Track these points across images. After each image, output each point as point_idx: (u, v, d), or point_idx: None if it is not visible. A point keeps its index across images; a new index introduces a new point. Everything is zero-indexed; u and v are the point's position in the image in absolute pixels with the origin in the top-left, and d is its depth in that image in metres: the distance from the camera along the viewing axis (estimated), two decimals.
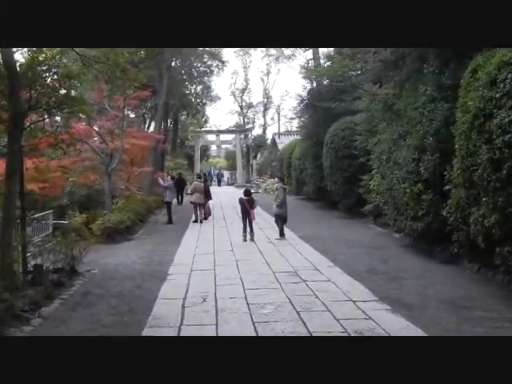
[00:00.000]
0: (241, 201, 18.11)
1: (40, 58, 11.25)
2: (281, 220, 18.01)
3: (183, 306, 9.45)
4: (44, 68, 11.50)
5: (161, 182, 25.21)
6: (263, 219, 22.64)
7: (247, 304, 9.48)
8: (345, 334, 7.76)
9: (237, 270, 12.67)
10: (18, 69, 10.83)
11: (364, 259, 13.89)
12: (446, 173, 12.58)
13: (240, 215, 18.59)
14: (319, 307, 9.25)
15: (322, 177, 27.18)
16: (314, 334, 7.78)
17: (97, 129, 24.18)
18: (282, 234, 17.86)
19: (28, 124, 11.73)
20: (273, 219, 19.30)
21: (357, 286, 10.90)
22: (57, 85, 11.75)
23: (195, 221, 23.62)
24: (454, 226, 12.21)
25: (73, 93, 12.65)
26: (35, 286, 10.56)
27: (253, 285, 11.01)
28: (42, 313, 9.21)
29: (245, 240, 17.48)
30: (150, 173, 29.91)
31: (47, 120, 12.91)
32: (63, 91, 12.03)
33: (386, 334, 7.74)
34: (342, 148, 23.38)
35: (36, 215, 16.29)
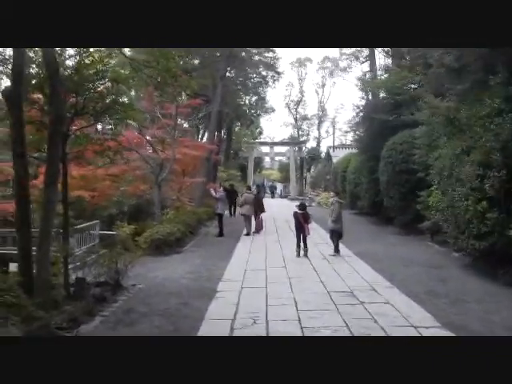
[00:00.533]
0: (295, 215, 17.57)
1: (87, 61, 10.92)
2: (336, 236, 17.42)
3: (232, 328, 8.97)
4: (91, 72, 11.13)
5: (213, 193, 24.75)
6: (318, 234, 22.04)
7: (301, 328, 8.93)
8: None
9: (290, 289, 12.12)
10: (60, 69, 10.48)
11: (422, 279, 13.21)
12: None
13: (294, 229, 18.05)
14: (378, 333, 8.66)
15: (378, 191, 26.48)
16: None
17: (148, 137, 23.69)
18: (336, 251, 17.26)
19: (74, 129, 11.43)
20: (327, 234, 18.75)
21: (417, 309, 10.24)
22: (104, 90, 11.41)
23: (247, 234, 23.24)
24: None
25: (123, 98, 12.33)
26: (76, 300, 10.26)
27: (306, 305, 10.45)
28: (80, 331, 8.76)
29: (298, 256, 16.95)
30: (202, 183, 29.49)
31: (99, 127, 12.59)
32: (112, 96, 11.70)
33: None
34: (399, 162, 22.59)
35: (81, 225, 16.09)
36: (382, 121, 25.35)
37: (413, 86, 26.36)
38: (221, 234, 23.07)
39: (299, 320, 9.37)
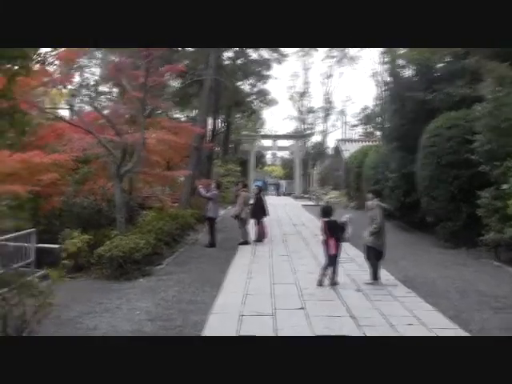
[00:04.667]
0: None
1: None
2: (375, 255, 11.84)
3: None
4: None
5: (202, 191, 18.75)
6: None
7: None
8: None
9: None
10: None
11: None
12: None
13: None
14: None
15: (409, 190, 21.30)
16: None
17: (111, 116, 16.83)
18: (375, 278, 11.75)
19: None
20: (347, 245, 13.38)
21: None
22: None
23: (244, 242, 18.22)
24: None
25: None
26: None
27: None
28: None
29: (320, 284, 11.44)
30: (189, 178, 23.39)
31: None
32: None
33: None
34: (447, 153, 17.20)
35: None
36: (417, 101, 19.94)
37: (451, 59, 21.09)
38: (212, 243, 17.76)
39: None
